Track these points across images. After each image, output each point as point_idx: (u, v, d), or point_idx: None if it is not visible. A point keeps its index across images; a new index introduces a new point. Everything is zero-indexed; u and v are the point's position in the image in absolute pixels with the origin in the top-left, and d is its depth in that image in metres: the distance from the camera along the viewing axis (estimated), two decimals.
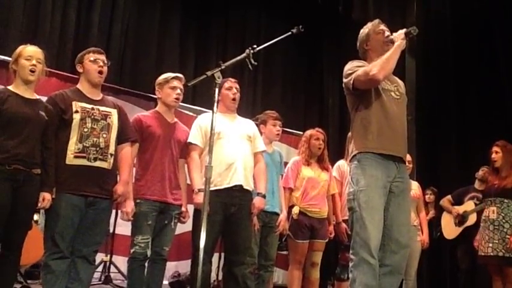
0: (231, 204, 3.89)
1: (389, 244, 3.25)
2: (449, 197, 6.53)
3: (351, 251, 3.25)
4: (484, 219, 5.21)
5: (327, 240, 5.03)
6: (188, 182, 4.14)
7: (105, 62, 3.79)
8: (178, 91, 4.13)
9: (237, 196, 3.93)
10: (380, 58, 3.29)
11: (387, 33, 3.47)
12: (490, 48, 7.54)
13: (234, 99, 4.16)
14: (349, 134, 5.18)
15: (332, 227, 5.11)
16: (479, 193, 6.08)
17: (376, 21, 3.58)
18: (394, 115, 3.36)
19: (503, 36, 7.39)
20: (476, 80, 7.62)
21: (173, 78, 4.14)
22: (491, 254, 5.01)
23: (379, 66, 3.21)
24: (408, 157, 5.55)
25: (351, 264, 3.23)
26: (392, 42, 3.39)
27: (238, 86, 4.23)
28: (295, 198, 4.90)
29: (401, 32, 3.36)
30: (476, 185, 6.35)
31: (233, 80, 4.23)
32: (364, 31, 3.56)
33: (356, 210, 3.23)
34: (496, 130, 6.61)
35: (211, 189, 3.65)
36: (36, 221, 4.84)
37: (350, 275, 3.23)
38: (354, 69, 3.34)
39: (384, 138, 3.29)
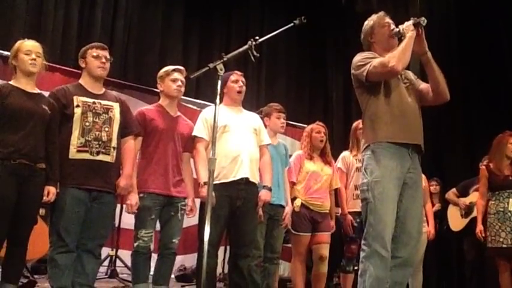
0: (236, 197, 3.89)
1: (402, 236, 3.22)
2: (454, 190, 6.51)
3: (363, 242, 3.21)
4: (500, 210, 5.13)
5: (330, 232, 5.02)
6: (195, 175, 4.14)
7: (108, 57, 3.79)
8: (180, 83, 4.14)
9: (243, 189, 3.92)
10: (396, 49, 3.23)
11: (392, 26, 3.42)
12: (494, 39, 7.50)
13: (239, 92, 4.15)
14: (354, 124, 5.21)
15: (333, 222, 5.10)
16: None
17: (382, 13, 3.52)
18: (405, 102, 3.32)
19: (508, 26, 7.35)
20: (481, 70, 7.57)
21: (173, 70, 4.15)
22: None
23: (397, 58, 3.15)
24: None
25: (362, 255, 3.20)
26: (397, 35, 3.33)
27: (244, 79, 4.22)
28: (297, 191, 4.89)
29: (410, 24, 3.28)
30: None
31: (239, 73, 4.21)
32: (368, 23, 3.51)
33: (370, 201, 3.19)
34: (501, 121, 6.57)
35: (217, 182, 3.69)
36: (43, 216, 4.85)
37: (360, 266, 3.20)
38: (365, 60, 3.28)
39: (395, 127, 3.25)
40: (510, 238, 5.02)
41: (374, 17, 3.52)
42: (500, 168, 5.25)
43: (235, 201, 3.88)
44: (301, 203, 4.83)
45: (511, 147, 5.25)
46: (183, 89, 4.19)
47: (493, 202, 5.24)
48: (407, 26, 3.29)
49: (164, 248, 3.97)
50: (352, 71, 3.36)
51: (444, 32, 8.06)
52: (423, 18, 3.27)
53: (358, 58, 3.35)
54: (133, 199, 3.84)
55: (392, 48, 3.37)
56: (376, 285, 3.10)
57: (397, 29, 3.36)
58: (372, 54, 3.36)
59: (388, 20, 3.46)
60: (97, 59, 3.74)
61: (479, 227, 5.31)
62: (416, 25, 3.26)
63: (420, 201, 3.39)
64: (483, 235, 5.27)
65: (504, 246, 5.04)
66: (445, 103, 3.50)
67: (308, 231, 4.84)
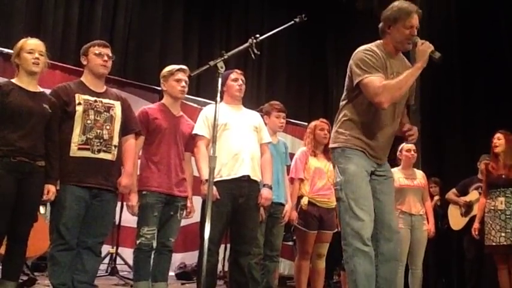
0: (239, 195, 3.89)
1: (382, 232, 3.21)
2: (454, 189, 6.53)
3: (343, 242, 3.18)
4: (491, 209, 5.23)
5: (334, 231, 5.02)
6: (196, 174, 4.14)
7: (110, 55, 3.79)
8: (183, 84, 4.13)
9: (245, 187, 3.92)
10: (397, 79, 3.11)
11: (415, 31, 3.20)
12: (495, 38, 7.48)
13: (239, 90, 4.16)
14: None
15: (338, 220, 5.09)
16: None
17: (413, 9, 3.21)
18: (390, 116, 3.24)
19: (509, 23, 7.33)
20: (482, 68, 7.56)
21: (178, 70, 4.13)
22: (505, 243, 5.06)
23: (389, 97, 3.04)
24: (412, 146, 5.57)
25: (345, 256, 3.17)
26: (414, 43, 3.17)
27: (244, 78, 4.22)
28: (304, 189, 4.89)
29: (427, 51, 3.08)
30: (480, 175, 6.34)
31: (239, 71, 4.22)
32: (395, 11, 3.22)
33: (344, 201, 3.16)
34: (502, 119, 6.57)
35: (219, 179, 3.70)
36: (42, 214, 4.85)
37: (346, 267, 3.18)
38: (367, 67, 3.13)
39: (375, 146, 3.22)
40: (499, 236, 5.10)
41: (405, 5, 3.24)
42: (496, 167, 5.32)
43: (238, 198, 3.89)
44: (308, 201, 4.83)
45: (494, 141, 5.35)
46: (186, 90, 4.19)
47: (488, 201, 5.34)
48: (423, 52, 3.10)
49: (162, 246, 3.98)
50: (351, 62, 3.23)
51: (445, 31, 8.04)
52: (440, 55, 3.10)
53: (362, 55, 3.18)
54: (134, 199, 3.86)
55: (403, 50, 3.28)
56: (367, 282, 3.08)
57: (416, 39, 3.17)
58: (374, 59, 3.17)
59: (415, 21, 3.20)
60: (99, 56, 3.73)
61: (476, 224, 5.45)
62: (430, 57, 3.10)
63: (393, 195, 3.38)
64: (476, 233, 5.41)
65: (494, 244, 5.14)
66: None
67: (315, 228, 4.83)
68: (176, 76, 4.11)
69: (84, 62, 3.79)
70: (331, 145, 3.34)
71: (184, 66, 4.19)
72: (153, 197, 3.90)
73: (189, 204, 4.10)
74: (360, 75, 3.14)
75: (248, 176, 3.93)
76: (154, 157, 3.99)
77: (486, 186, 5.44)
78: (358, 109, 3.23)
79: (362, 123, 3.22)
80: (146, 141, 4.02)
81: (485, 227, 5.24)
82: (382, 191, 3.27)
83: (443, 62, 3.13)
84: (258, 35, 3.35)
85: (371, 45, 3.27)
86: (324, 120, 5.15)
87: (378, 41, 3.31)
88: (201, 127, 4.05)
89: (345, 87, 3.34)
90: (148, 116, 4.04)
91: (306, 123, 5.48)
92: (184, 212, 4.10)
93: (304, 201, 4.83)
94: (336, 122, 3.34)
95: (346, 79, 3.33)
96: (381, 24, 3.32)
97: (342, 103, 3.35)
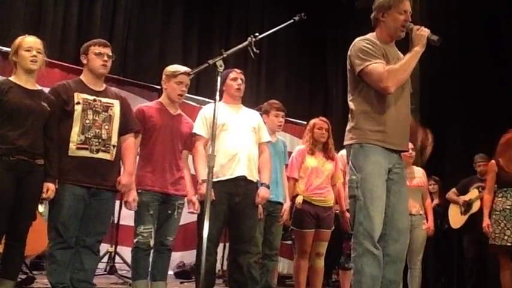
0: (235, 193, 3.90)
1: (391, 233, 3.18)
2: (454, 189, 6.53)
3: (353, 240, 3.17)
4: (506, 208, 5.09)
5: (332, 229, 5.01)
6: (193, 172, 4.13)
7: (110, 55, 3.78)
8: (184, 88, 4.12)
9: (242, 186, 3.93)
10: (399, 63, 3.12)
11: (409, 16, 3.22)
12: (495, 36, 7.48)
13: (238, 90, 4.15)
14: None
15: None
16: (483, 183, 6.04)
17: None
18: (401, 103, 3.22)
19: (510, 23, 7.33)
20: (482, 68, 7.56)
21: (182, 73, 4.10)
22: None
23: (395, 80, 3.04)
24: (410, 145, 5.56)
25: (353, 255, 3.16)
26: (408, 30, 3.18)
27: (243, 77, 4.21)
28: (299, 188, 4.88)
29: (424, 35, 3.10)
30: (479, 175, 6.34)
31: (238, 70, 4.21)
32: None
33: (360, 199, 3.11)
34: (501, 119, 6.57)
35: (215, 180, 3.69)
36: (41, 213, 4.84)
37: (353, 265, 3.17)
38: (367, 56, 3.12)
39: (392, 133, 3.16)
40: None
41: None
42: (510, 166, 5.19)
43: (234, 197, 3.90)
44: (304, 200, 4.82)
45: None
46: (185, 93, 4.19)
47: (499, 199, 5.18)
48: (421, 36, 3.11)
49: (160, 245, 3.99)
50: (350, 54, 3.23)
51: (445, 30, 8.02)
52: (438, 37, 3.11)
53: (360, 45, 3.17)
54: (132, 196, 3.84)
55: (397, 38, 3.27)
56: (372, 284, 3.07)
57: (411, 25, 3.18)
58: (375, 48, 3.16)
59: (408, 6, 3.22)
60: (99, 56, 3.72)
61: (486, 221, 5.24)
62: (428, 40, 3.11)
63: (406, 196, 3.34)
64: (490, 230, 5.19)
65: (509, 244, 5.01)
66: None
67: (312, 227, 4.82)
68: (179, 79, 4.09)
69: (84, 61, 3.78)
70: (347, 142, 3.27)
71: (188, 69, 4.16)
72: (148, 196, 3.90)
73: (193, 200, 4.02)
74: (361, 64, 3.13)
75: (244, 177, 3.93)
76: (149, 156, 3.99)
77: (495, 183, 5.28)
78: (367, 100, 3.20)
79: (374, 112, 3.17)
80: (142, 139, 4.02)
81: (496, 226, 5.10)
82: (396, 191, 3.22)
83: (442, 44, 3.13)
84: (257, 34, 3.35)
85: (366, 36, 3.26)
86: (324, 118, 5.13)
87: (371, 33, 3.30)
88: (199, 127, 4.05)
89: (349, 84, 3.31)
90: (145, 114, 4.03)
91: (306, 122, 5.46)
92: (186, 210, 4.08)
93: (299, 199, 4.82)
94: (349, 120, 3.31)
95: (348, 74, 3.31)
96: (373, 14, 3.31)
97: (349, 100, 3.31)
